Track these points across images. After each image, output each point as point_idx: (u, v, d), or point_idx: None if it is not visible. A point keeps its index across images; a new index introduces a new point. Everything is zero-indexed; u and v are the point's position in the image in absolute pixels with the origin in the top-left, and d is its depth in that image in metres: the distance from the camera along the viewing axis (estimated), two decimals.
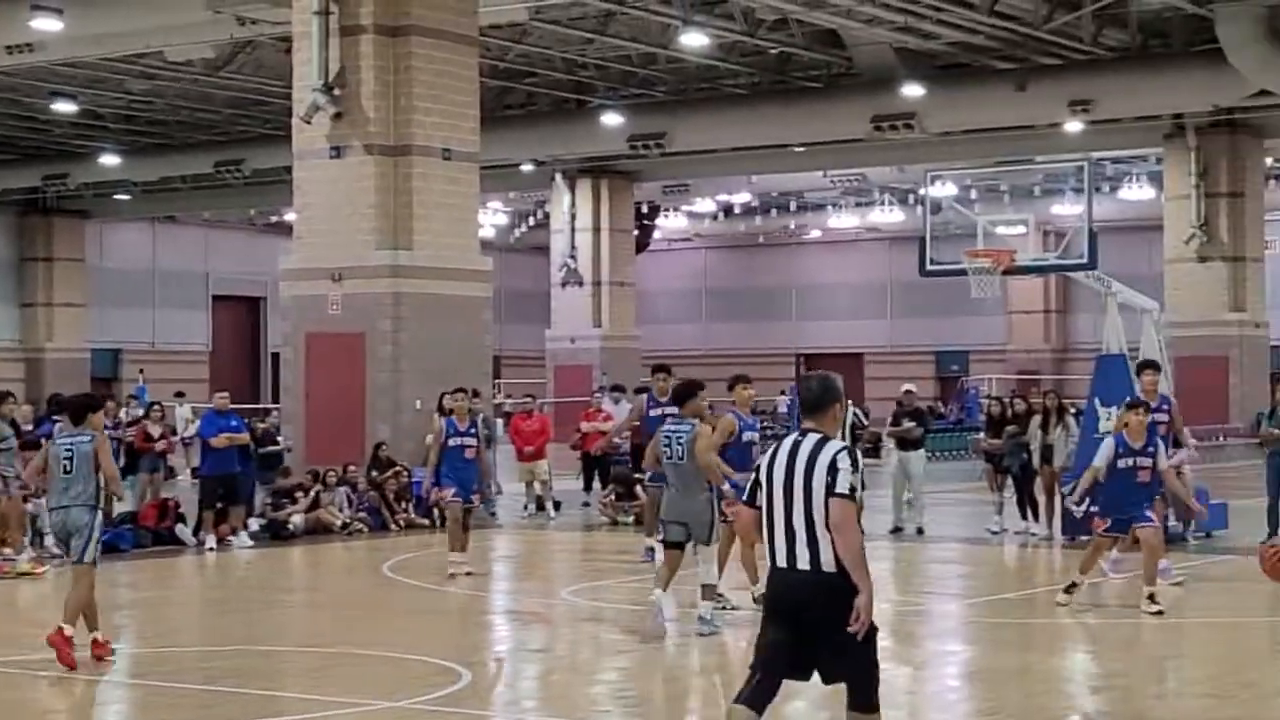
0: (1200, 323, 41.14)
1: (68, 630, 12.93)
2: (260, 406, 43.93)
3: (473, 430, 18.96)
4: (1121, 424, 16.40)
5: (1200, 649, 12.40)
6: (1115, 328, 24.20)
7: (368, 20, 25.74)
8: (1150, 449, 15.74)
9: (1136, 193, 51.60)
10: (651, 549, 18.96)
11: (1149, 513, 15.78)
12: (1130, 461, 15.69)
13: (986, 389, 52.22)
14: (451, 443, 18.71)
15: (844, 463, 7.98)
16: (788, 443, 8.18)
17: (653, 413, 19.72)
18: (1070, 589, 15.94)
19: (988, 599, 17.64)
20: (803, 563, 8.02)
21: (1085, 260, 24.90)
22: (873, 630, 8.06)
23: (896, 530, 23.51)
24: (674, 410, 16.11)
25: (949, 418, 49.78)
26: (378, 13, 25.74)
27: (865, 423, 24.38)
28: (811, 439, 8.11)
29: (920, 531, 23.55)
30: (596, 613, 16.65)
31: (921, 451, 24.50)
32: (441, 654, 13.53)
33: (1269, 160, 45.63)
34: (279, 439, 25.06)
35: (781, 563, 8.10)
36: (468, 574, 18.54)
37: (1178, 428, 18.73)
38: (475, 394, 26.57)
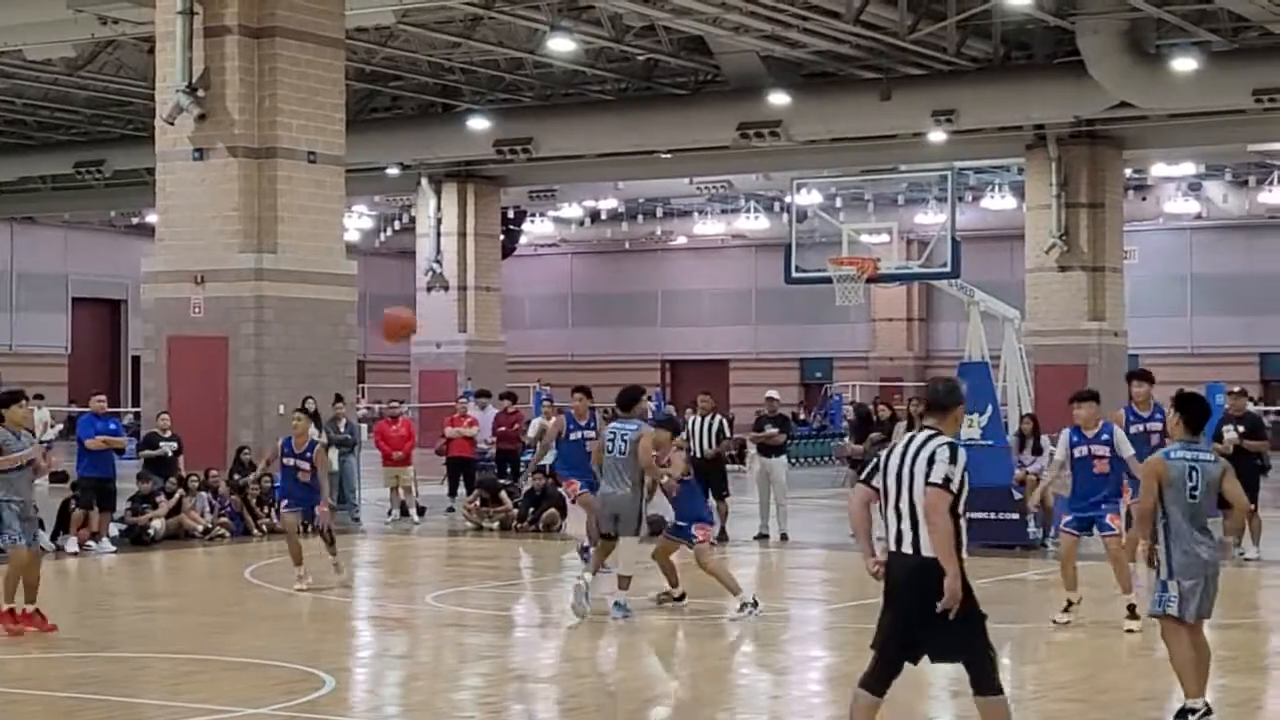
0: (1060, 331, 41.68)
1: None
2: (122, 410, 43.36)
3: (308, 454, 18.41)
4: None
5: (1061, 652, 12.55)
6: (977, 335, 24.55)
7: (232, 21, 25.49)
8: (1105, 436, 15.15)
9: (999, 202, 52.23)
10: (586, 548, 19.15)
11: (1109, 520, 15.20)
12: (1085, 450, 15.18)
13: (850, 396, 52.66)
14: (286, 462, 18.46)
15: (942, 455, 8.70)
16: (907, 438, 8.97)
17: (573, 435, 19.60)
18: (1067, 608, 15.31)
19: (851, 604, 17.75)
20: (907, 546, 8.77)
21: (948, 269, 25.22)
22: (977, 614, 8.77)
23: (761, 536, 23.62)
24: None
25: (813, 424, 50.13)
26: (243, 14, 25.50)
27: (729, 431, 24.48)
28: (924, 435, 8.87)
29: (784, 537, 23.69)
30: (460, 618, 16.60)
31: (784, 458, 24.65)
32: (303, 660, 13.42)
33: (1128, 171, 46.34)
34: (160, 443, 24.59)
35: (893, 546, 8.88)
36: (307, 588, 18.19)
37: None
38: (339, 399, 26.51)
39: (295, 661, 13.38)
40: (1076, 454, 15.27)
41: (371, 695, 12.91)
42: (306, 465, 18.29)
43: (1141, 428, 17.09)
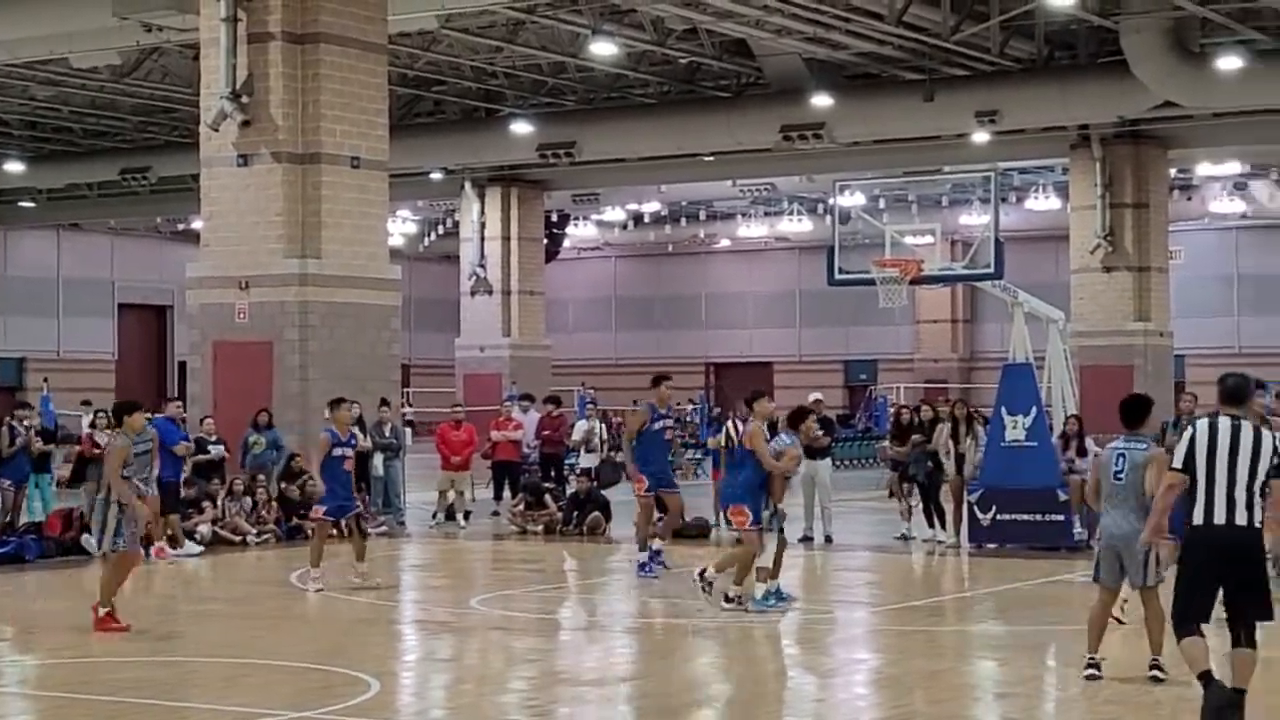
0: (1105, 332, 41.50)
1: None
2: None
3: (352, 441, 19.25)
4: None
5: (1114, 655, 12.52)
6: (1021, 337, 24.41)
7: (276, 28, 25.58)
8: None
9: (1043, 203, 52.01)
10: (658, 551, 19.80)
11: None
12: None
13: (894, 398, 52.52)
14: (335, 454, 18.78)
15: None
16: (1225, 423, 10.63)
17: (655, 425, 20.19)
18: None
19: (895, 606, 17.73)
20: (1241, 520, 10.52)
21: (992, 270, 25.09)
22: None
23: (806, 539, 23.60)
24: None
25: (857, 426, 50.04)
26: (286, 20, 25.58)
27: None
28: (1247, 425, 10.68)
29: (829, 539, 23.68)
30: (506, 621, 16.63)
31: (829, 460, 24.63)
32: (349, 664, 13.47)
33: (1173, 171, 46.09)
34: (209, 448, 24.76)
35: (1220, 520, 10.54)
36: (319, 590, 18.41)
37: None
38: (384, 403, 26.57)
39: (341, 665, 13.43)
40: None
41: (417, 699, 12.95)
42: (351, 452, 19.04)
43: None
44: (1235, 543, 10.63)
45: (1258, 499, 10.62)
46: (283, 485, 24.88)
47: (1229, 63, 32.81)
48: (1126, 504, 12.12)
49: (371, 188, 26.63)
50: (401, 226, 57.75)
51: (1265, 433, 10.87)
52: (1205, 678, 10.68)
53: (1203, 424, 10.84)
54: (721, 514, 16.65)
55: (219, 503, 24.12)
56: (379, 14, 26.66)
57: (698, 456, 38.58)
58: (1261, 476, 10.60)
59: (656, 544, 19.82)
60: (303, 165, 25.75)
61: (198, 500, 23.87)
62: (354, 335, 26.22)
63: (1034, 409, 22.81)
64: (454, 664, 14.49)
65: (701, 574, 16.60)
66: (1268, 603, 10.76)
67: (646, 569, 19.59)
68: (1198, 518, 10.71)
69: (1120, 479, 12.14)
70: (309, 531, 24.26)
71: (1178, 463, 10.82)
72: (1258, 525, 10.66)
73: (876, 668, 14.14)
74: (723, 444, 23.73)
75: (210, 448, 24.61)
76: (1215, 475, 10.61)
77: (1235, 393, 10.88)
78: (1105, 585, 12.39)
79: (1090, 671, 12.34)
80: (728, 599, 16.35)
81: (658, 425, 20.05)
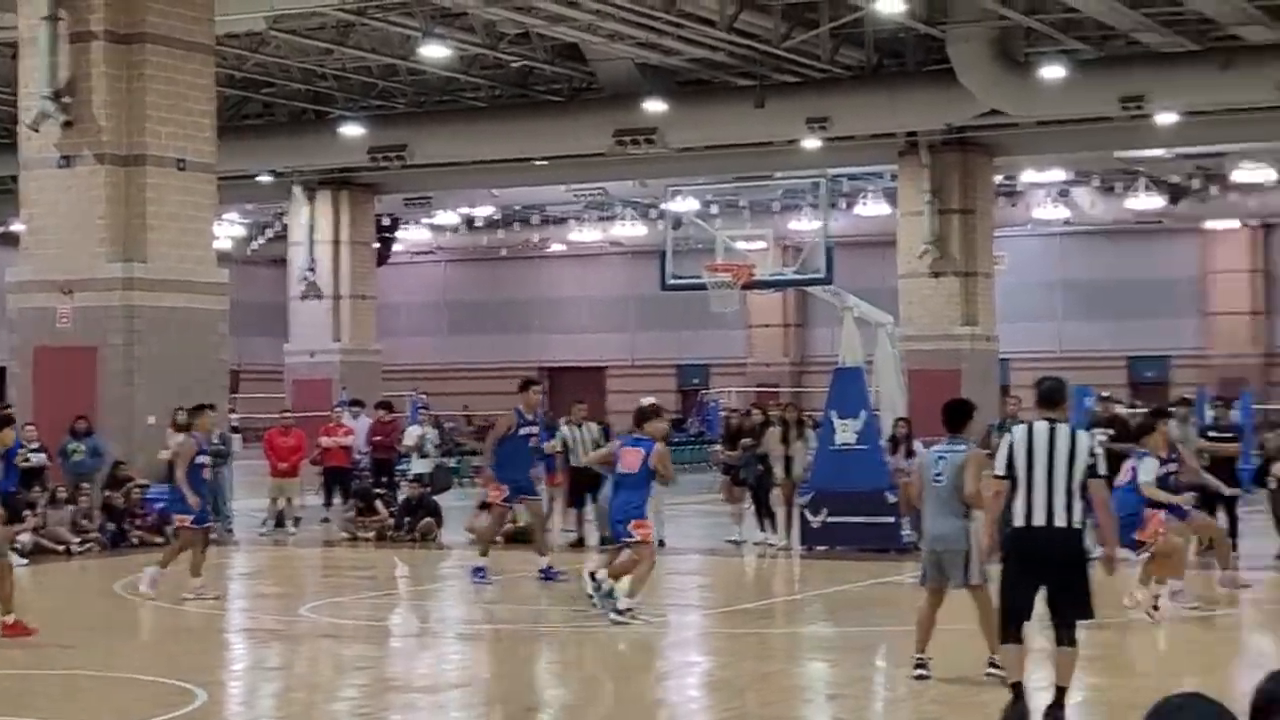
0: (933, 336, 41.97)
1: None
2: None
3: (207, 448, 19.12)
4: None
5: (941, 655, 12.62)
6: (851, 341, 24.61)
7: (99, 26, 25.14)
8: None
9: (872, 209, 52.51)
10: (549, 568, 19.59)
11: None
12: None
13: (726, 402, 52.80)
14: (197, 460, 18.62)
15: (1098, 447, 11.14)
16: (1042, 427, 10.90)
17: (521, 431, 19.99)
18: (1155, 607, 16.00)
19: (727, 610, 17.80)
20: (1060, 521, 10.73)
21: (822, 275, 25.28)
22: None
23: None
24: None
25: (689, 430, 50.20)
26: (110, 19, 25.16)
27: (608, 437, 24.48)
28: (1063, 427, 10.96)
29: (661, 543, 23.69)
30: (336, 629, 16.46)
31: None
32: (176, 674, 13.24)
33: (999, 178, 46.78)
34: (29, 456, 24.23)
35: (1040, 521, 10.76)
36: (215, 597, 18.28)
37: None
38: (211, 408, 26.17)
39: (167, 676, 13.20)
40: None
41: (246, 708, 12.77)
42: (209, 460, 19.12)
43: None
44: (1055, 543, 10.81)
45: (1077, 500, 10.79)
46: (106, 493, 24.45)
47: (1052, 72, 33.37)
48: (945, 506, 12.22)
49: (198, 190, 26.27)
50: (229, 230, 56.99)
51: (1081, 434, 11.15)
52: (1016, 688, 10.91)
53: (1020, 429, 11.06)
54: (621, 528, 16.37)
55: (39, 511, 23.63)
56: (206, 14, 26.30)
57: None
58: (1079, 477, 10.80)
59: (481, 562, 19.66)
60: (127, 167, 25.34)
61: (19, 509, 23.36)
62: (180, 340, 25.84)
63: (863, 412, 23.03)
64: (283, 672, 14.31)
65: (593, 575, 16.37)
66: (1088, 602, 10.93)
67: (480, 575, 19.47)
68: (1018, 520, 10.89)
69: (939, 480, 12.22)
70: (135, 540, 23.94)
71: (999, 469, 11.03)
72: (1077, 526, 10.83)
73: (708, 670, 14.17)
74: (558, 448, 23.74)
75: (31, 455, 24.11)
76: (1034, 478, 10.82)
77: (1050, 396, 11.17)
78: (931, 587, 12.48)
79: (919, 672, 12.46)
80: (619, 611, 16.08)
81: (523, 431, 19.91)
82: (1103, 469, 11.04)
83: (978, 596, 12.30)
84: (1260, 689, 3.85)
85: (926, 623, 12.54)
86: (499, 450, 19.88)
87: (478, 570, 19.54)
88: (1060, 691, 10.88)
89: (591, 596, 16.21)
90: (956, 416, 12.60)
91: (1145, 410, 23.48)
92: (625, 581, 16.15)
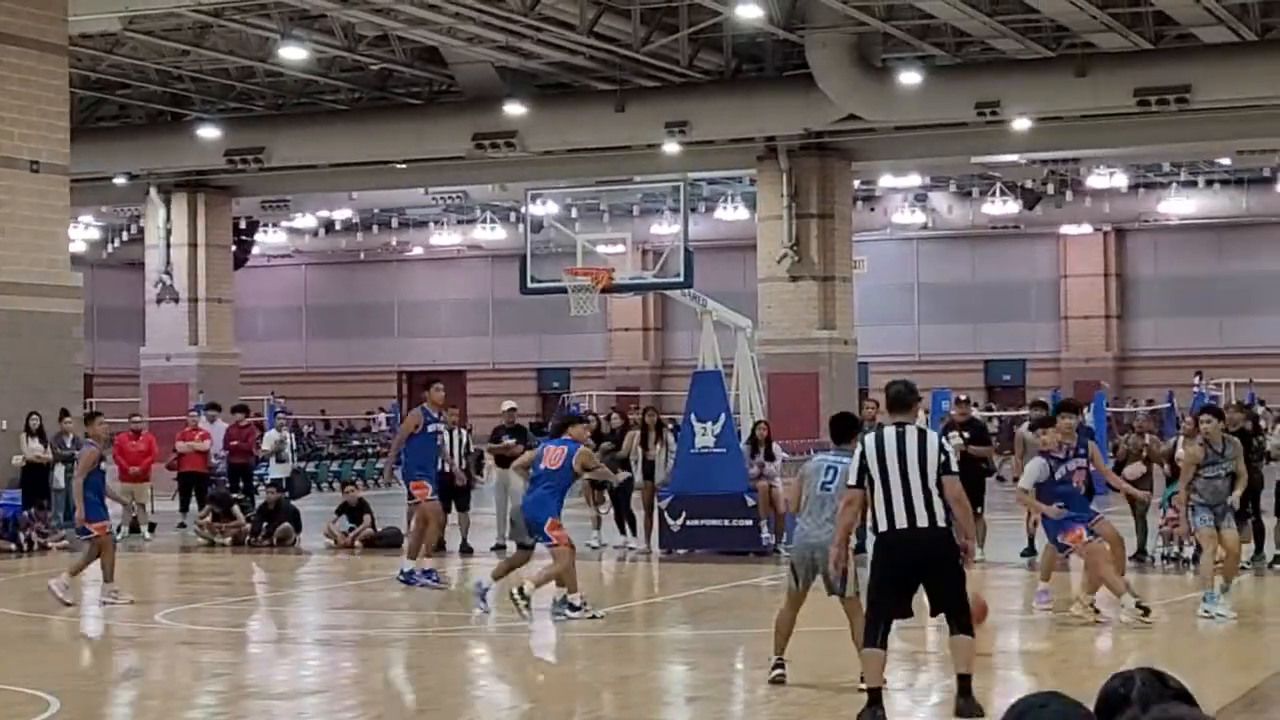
0: (792, 340, 42.26)
1: None
2: None
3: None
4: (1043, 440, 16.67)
5: (801, 656, 12.72)
6: (711, 344, 24.76)
7: None
8: (1081, 450, 16.55)
9: (731, 213, 52.84)
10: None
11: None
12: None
13: (587, 405, 52.83)
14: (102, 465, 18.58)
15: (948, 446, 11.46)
16: (891, 431, 11.14)
17: (429, 429, 19.96)
18: (1146, 612, 15.76)
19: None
20: (923, 521, 10.94)
21: (682, 279, 25.39)
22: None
23: (499, 547, 23.58)
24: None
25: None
26: None
27: (472, 443, 24.48)
28: (912, 429, 11.19)
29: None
30: (193, 635, 16.31)
31: None
32: (28, 682, 13.06)
33: (857, 183, 47.22)
34: None
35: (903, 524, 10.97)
36: (131, 601, 18.09)
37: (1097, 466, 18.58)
38: (65, 413, 25.85)
39: (19, 684, 13.01)
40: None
41: (100, 717, 12.61)
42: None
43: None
44: (921, 543, 10.99)
45: (936, 498, 10.95)
46: None
47: (909, 77, 33.76)
48: (826, 512, 12.23)
49: (52, 192, 25.93)
50: (84, 233, 56.25)
51: (930, 434, 11.38)
52: (873, 694, 11.06)
53: (869, 437, 11.26)
54: (539, 527, 16.42)
55: None
56: (59, 14, 25.97)
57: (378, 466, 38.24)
58: (933, 476, 10.97)
59: (428, 563, 19.56)
60: None
61: None
62: (33, 344, 25.49)
63: (723, 416, 23.15)
64: (139, 680, 14.15)
65: (520, 590, 16.28)
66: (963, 591, 11.13)
67: (414, 578, 19.21)
68: (882, 524, 11.04)
69: (829, 489, 12.21)
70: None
71: (852, 480, 11.19)
72: (940, 524, 10.98)
73: (568, 674, 14.19)
74: None
75: None
76: (890, 482, 11.00)
77: (899, 399, 11.45)
78: (791, 590, 12.56)
79: (776, 674, 12.55)
80: (573, 608, 16.23)
81: (431, 429, 19.91)
82: (954, 466, 11.22)
83: (852, 609, 12.30)
84: (1104, 690, 3.94)
85: (785, 625, 12.62)
86: (407, 448, 19.83)
87: (427, 573, 19.37)
88: (963, 679, 11.10)
89: (523, 611, 16.10)
90: (843, 428, 12.77)
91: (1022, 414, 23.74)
92: (553, 585, 16.51)
